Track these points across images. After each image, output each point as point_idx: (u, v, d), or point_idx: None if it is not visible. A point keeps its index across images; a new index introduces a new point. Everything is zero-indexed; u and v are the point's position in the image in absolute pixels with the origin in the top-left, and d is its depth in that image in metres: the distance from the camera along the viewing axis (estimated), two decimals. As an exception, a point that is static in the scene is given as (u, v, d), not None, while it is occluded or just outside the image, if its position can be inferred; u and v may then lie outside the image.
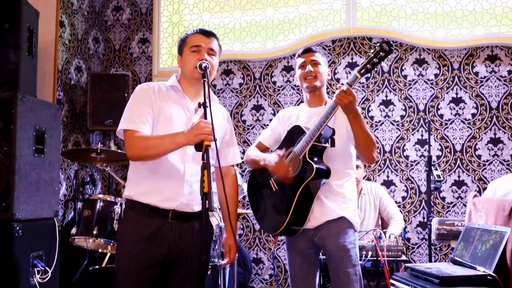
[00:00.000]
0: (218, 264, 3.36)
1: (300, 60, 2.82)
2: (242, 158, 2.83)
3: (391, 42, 2.47)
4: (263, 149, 2.93)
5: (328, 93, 4.80)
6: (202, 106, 2.14)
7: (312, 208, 2.61)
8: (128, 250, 2.25)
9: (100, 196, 3.60)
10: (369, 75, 4.83)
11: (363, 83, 4.91)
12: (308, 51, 2.82)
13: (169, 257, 2.27)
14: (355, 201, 2.78)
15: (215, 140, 2.08)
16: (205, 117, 2.12)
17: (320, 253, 2.88)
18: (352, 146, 2.74)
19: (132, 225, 2.28)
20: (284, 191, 2.66)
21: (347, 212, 2.67)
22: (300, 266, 2.73)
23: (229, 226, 2.52)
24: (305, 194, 2.59)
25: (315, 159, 2.58)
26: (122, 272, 2.25)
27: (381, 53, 2.45)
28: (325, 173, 2.60)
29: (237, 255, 3.48)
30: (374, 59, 2.46)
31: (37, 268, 3.36)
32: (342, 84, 2.50)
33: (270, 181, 2.75)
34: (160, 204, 2.26)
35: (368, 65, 2.48)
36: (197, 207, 2.31)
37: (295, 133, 2.71)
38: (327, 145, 2.60)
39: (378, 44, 2.47)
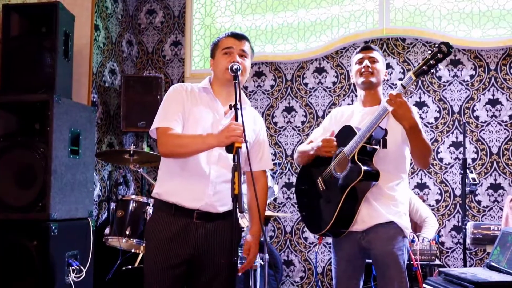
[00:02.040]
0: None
1: (357, 57, 2.74)
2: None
3: (451, 44, 2.34)
4: None
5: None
6: (233, 108, 2.15)
7: (359, 210, 2.55)
8: (154, 249, 2.30)
9: (133, 197, 3.65)
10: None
11: (395, 84, 4.84)
12: (367, 48, 2.75)
13: (195, 257, 2.30)
14: (406, 205, 2.69)
15: (246, 142, 2.09)
16: (236, 119, 2.13)
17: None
18: (407, 148, 2.63)
19: (158, 224, 2.33)
20: (331, 191, 2.62)
21: (397, 217, 2.59)
22: (345, 270, 2.68)
23: (255, 229, 2.52)
24: (352, 195, 2.53)
25: (365, 161, 2.51)
26: (149, 270, 2.30)
27: (439, 54, 2.32)
28: (373, 176, 2.52)
29: (267, 256, 3.49)
30: (431, 61, 2.34)
31: (72, 267, 3.43)
32: (395, 85, 2.41)
33: (318, 180, 2.71)
34: (185, 204, 2.30)
35: (424, 67, 2.36)
36: (222, 208, 2.35)
37: (345, 133, 2.63)
38: (378, 147, 2.53)
39: (436, 45, 2.35)
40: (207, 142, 2.20)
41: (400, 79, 4.66)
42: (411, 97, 4.82)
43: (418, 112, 2.70)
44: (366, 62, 2.68)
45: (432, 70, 2.38)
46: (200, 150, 2.25)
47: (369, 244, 2.59)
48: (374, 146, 2.52)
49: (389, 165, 2.59)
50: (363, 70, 2.68)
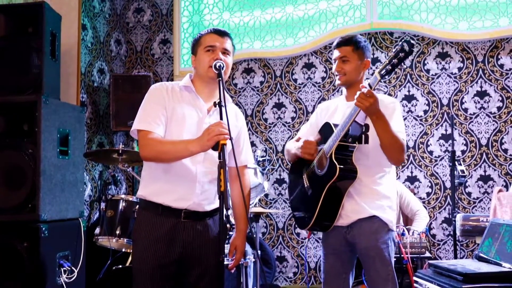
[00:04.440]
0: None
1: (334, 54, 2.72)
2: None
3: (413, 42, 2.34)
4: None
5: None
6: (217, 105, 2.15)
7: (342, 205, 2.55)
8: (143, 250, 2.28)
9: (123, 196, 3.64)
10: (391, 75, 4.74)
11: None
12: (339, 45, 2.69)
13: (184, 256, 2.29)
14: (392, 199, 2.67)
15: (231, 138, 2.08)
16: (221, 116, 2.13)
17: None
18: None
19: (146, 225, 2.31)
20: (313, 187, 2.64)
21: (380, 211, 2.59)
22: (333, 264, 2.68)
23: (239, 226, 2.53)
24: (333, 191, 2.53)
25: (343, 158, 2.51)
26: (138, 271, 2.29)
27: (400, 54, 2.32)
28: (350, 174, 2.52)
29: (260, 253, 3.49)
30: (394, 60, 2.35)
31: (64, 268, 3.42)
32: (364, 85, 2.42)
33: (303, 176, 2.73)
34: (172, 204, 2.28)
35: (388, 66, 2.37)
36: (208, 206, 2.34)
37: (326, 130, 2.64)
38: (355, 144, 2.53)
39: (400, 44, 2.38)
40: (189, 149, 2.18)
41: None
42: (400, 90, 4.84)
43: (394, 105, 2.69)
44: (336, 64, 2.68)
45: (396, 69, 2.41)
46: (182, 157, 2.23)
47: (354, 238, 2.60)
48: (351, 144, 2.52)
49: (371, 160, 2.59)
50: (336, 72, 2.70)
